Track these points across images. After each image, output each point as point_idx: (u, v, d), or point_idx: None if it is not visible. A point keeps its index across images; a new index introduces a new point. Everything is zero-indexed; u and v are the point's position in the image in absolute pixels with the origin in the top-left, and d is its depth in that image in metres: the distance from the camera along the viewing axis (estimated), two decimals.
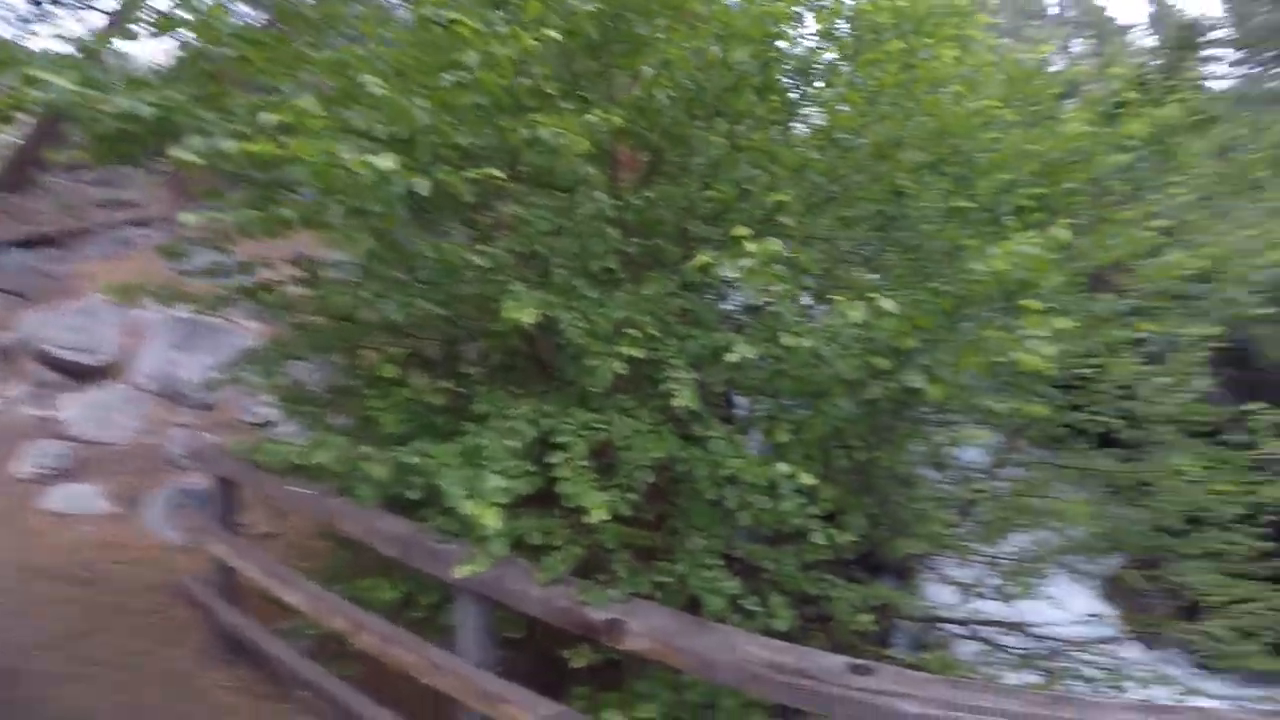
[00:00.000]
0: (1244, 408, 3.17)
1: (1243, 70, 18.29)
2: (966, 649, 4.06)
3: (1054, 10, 22.28)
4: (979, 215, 2.91)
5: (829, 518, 2.37)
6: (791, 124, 3.16)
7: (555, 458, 1.87)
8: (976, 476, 3.73)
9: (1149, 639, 4.19)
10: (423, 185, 1.74)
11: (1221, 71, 18.47)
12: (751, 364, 1.95)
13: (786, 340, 1.90)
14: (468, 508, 1.73)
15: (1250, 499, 3.19)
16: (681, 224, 2.55)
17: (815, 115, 3.17)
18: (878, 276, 2.97)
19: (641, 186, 2.70)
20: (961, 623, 4.06)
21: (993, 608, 3.84)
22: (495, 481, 1.76)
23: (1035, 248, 2.07)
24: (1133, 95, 3.93)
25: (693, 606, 2.18)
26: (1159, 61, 14.95)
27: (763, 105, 2.73)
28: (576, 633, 2.07)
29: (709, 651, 1.90)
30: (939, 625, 4.11)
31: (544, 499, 1.99)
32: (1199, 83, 14.55)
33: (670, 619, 2.06)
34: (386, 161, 1.62)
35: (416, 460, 1.94)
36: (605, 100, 2.45)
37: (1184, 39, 18.25)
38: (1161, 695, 3.22)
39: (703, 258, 1.96)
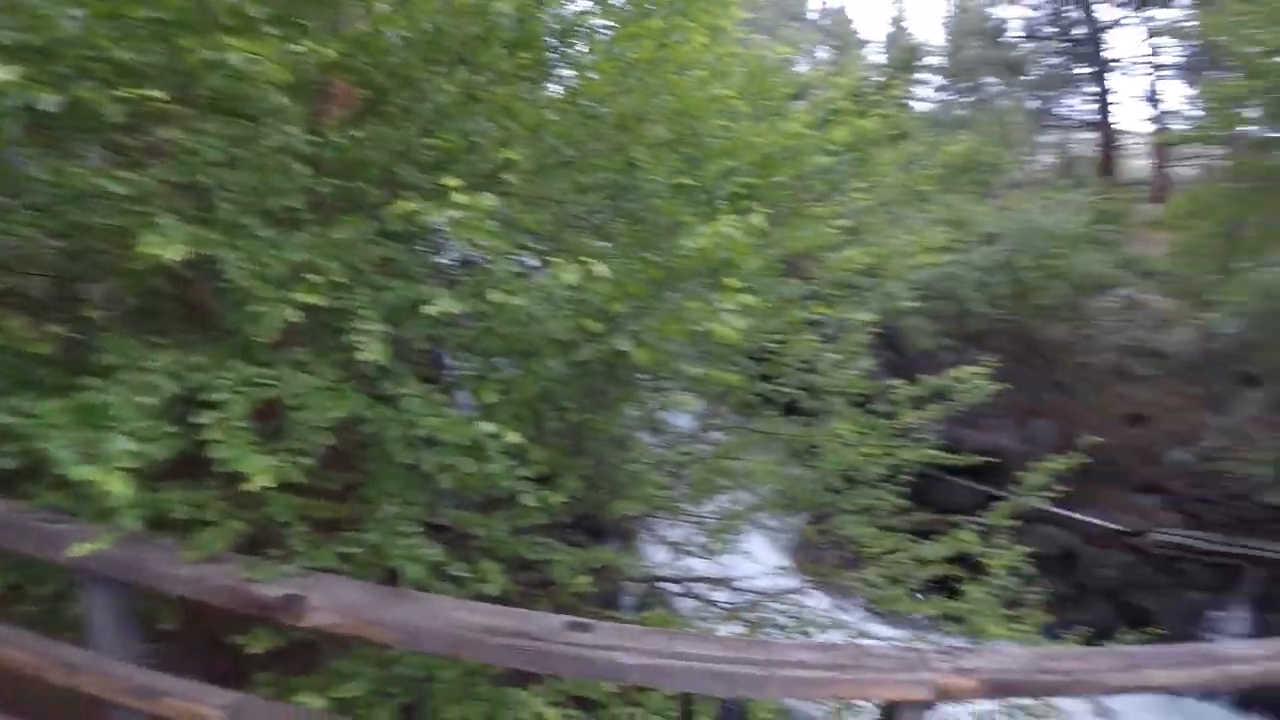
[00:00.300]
0: (889, 382, 4.07)
1: (943, 96, 22.97)
2: (684, 605, 4.62)
3: (812, 16, 25.53)
4: (700, 196, 3.29)
5: (544, 481, 2.53)
6: (544, 83, 3.24)
7: (205, 417, 1.72)
8: (685, 440, 4.23)
9: (826, 588, 5.14)
10: (50, 101, 1.57)
11: (926, 94, 22.98)
12: (455, 319, 1.99)
13: (495, 297, 1.96)
14: (86, 474, 1.52)
15: (891, 461, 4.04)
16: (393, 169, 2.49)
17: (568, 78, 3.29)
18: (609, 245, 3.20)
19: (352, 125, 2.57)
20: (677, 581, 4.59)
21: (704, 566, 4.40)
22: (122, 444, 1.58)
23: (737, 231, 2.42)
24: (847, 105, 4.72)
25: (394, 578, 2.19)
26: (880, 78, 17.89)
27: (510, 60, 2.75)
28: (248, 614, 1.98)
29: (410, 621, 1.94)
30: (658, 584, 4.62)
31: (194, 468, 1.83)
32: (905, 101, 17.88)
33: (361, 591, 2.05)
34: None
35: (11, 420, 1.65)
36: (327, 31, 2.29)
37: (905, 60, 22.29)
38: (837, 637, 3.85)
39: (405, 204, 1.93)
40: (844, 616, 4.26)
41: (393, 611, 2.00)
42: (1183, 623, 8.70)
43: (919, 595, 4.01)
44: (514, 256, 2.95)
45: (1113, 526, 9.65)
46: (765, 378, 4.03)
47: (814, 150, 3.90)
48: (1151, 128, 20.00)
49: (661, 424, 3.99)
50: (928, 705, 1.87)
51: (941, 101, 22.51)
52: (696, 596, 4.58)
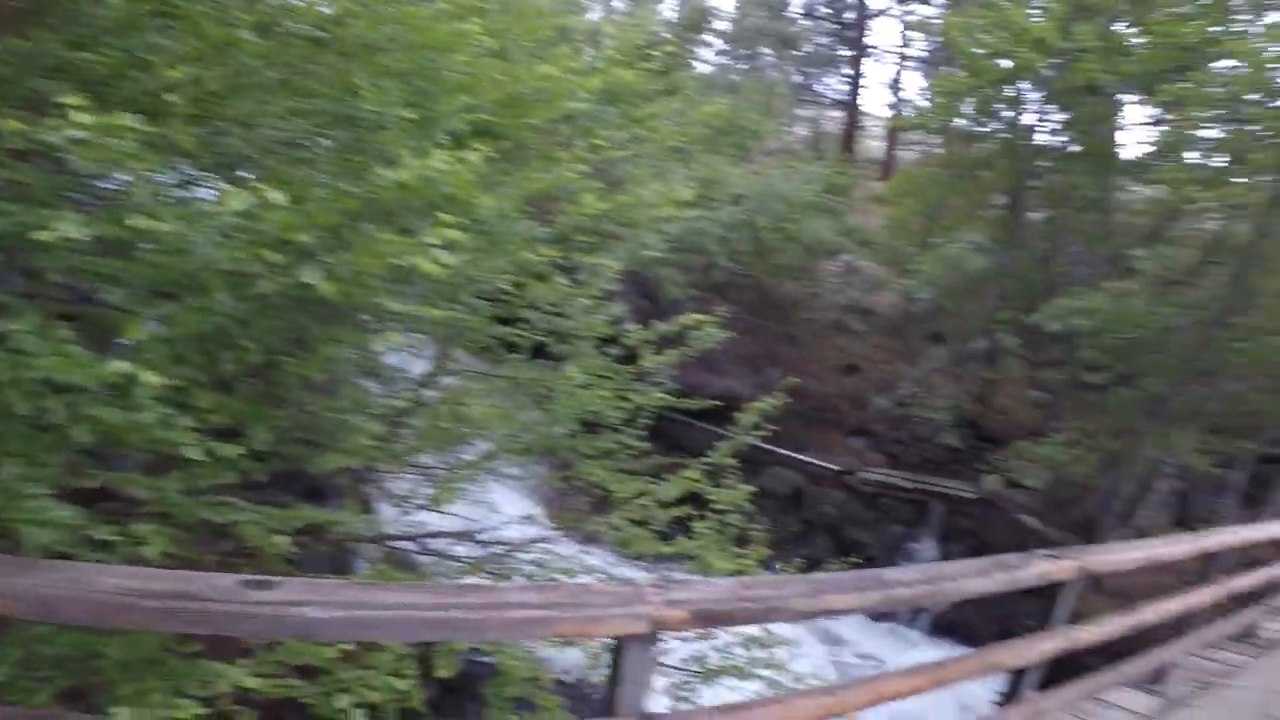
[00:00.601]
0: (625, 327, 4.29)
1: (722, 60, 24.30)
2: (424, 563, 4.53)
3: None
4: (430, 131, 3.18)
5: (227, 433, 2.33)
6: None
7: None
8: (413, 386, 4.10)
9: (577, 535, 5.33)
10: None
11: (708, 56, 24.15)
12: (84, 245, 1.74)
13: (138, 222, 1.76)
14: None
15: (630, 405, 4.23)
16: (32, 85, 2.10)
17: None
18: (324, 175, 2.98)
19: None
20: (412, 538, 4.50)
21: (445, 520, 4.33)
22: None
23: (450, 166, 2.41)
24: (616, 55, 4.79)
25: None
26: (667, 35, 18.46)
27: None
28: None
29: (41, 590, 1.71)
30: (392, 543, 4.48)
31: None
32: (686, 61, 18.65)
33: None
34: None
35: None
36: None
37: (694, 21, 23.14)
38: (586, 580, 3.95)
39: (14, 123, 1.69)
40: (593, 562, 4.47)
41: (16, 581, 1.76)
42: (887, 552, 10.32)
43: (664, 536, 4.25)
44: (200, 183, 2.67)
45: (831, 467, 11.26)
46: (508, 320, 4.03)
47: (567, 95, 3.94)
48: (889, 113, 23.10)
49: (384, 368, 3.82)
50: (649, 638, 1.98)
51: (720, 65, 23.83)
52: (436, 553, 4.51)
